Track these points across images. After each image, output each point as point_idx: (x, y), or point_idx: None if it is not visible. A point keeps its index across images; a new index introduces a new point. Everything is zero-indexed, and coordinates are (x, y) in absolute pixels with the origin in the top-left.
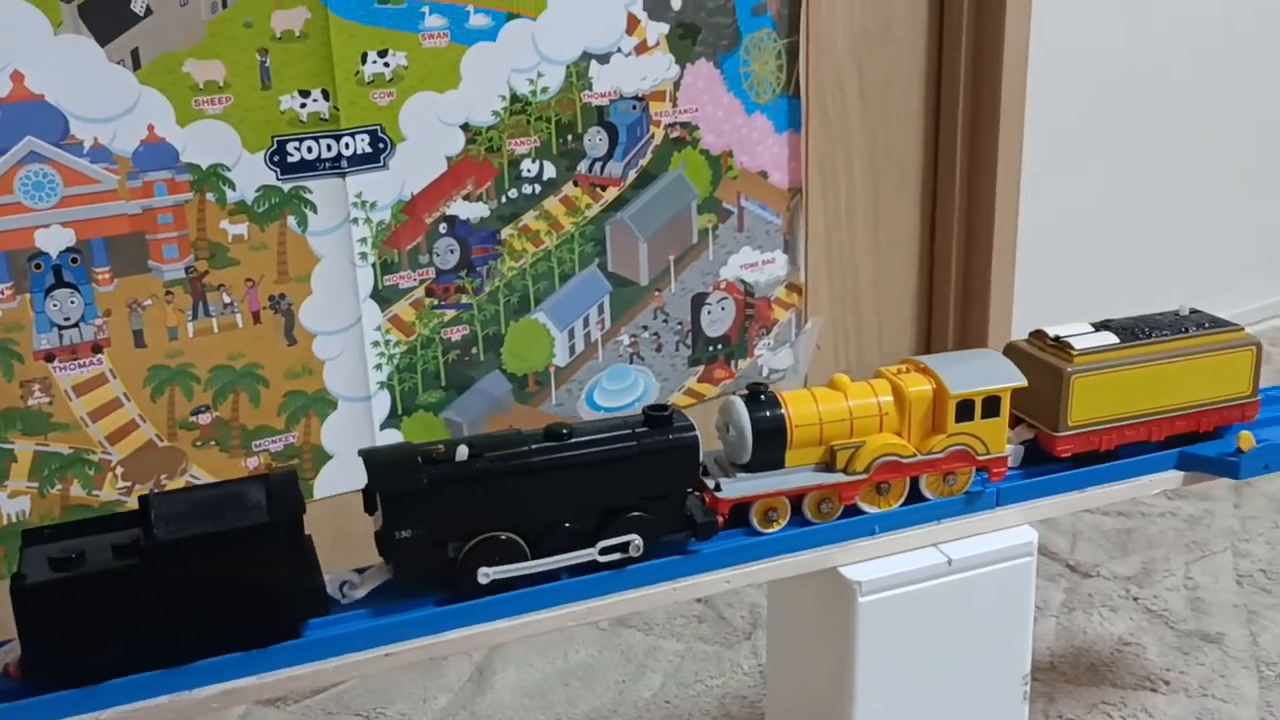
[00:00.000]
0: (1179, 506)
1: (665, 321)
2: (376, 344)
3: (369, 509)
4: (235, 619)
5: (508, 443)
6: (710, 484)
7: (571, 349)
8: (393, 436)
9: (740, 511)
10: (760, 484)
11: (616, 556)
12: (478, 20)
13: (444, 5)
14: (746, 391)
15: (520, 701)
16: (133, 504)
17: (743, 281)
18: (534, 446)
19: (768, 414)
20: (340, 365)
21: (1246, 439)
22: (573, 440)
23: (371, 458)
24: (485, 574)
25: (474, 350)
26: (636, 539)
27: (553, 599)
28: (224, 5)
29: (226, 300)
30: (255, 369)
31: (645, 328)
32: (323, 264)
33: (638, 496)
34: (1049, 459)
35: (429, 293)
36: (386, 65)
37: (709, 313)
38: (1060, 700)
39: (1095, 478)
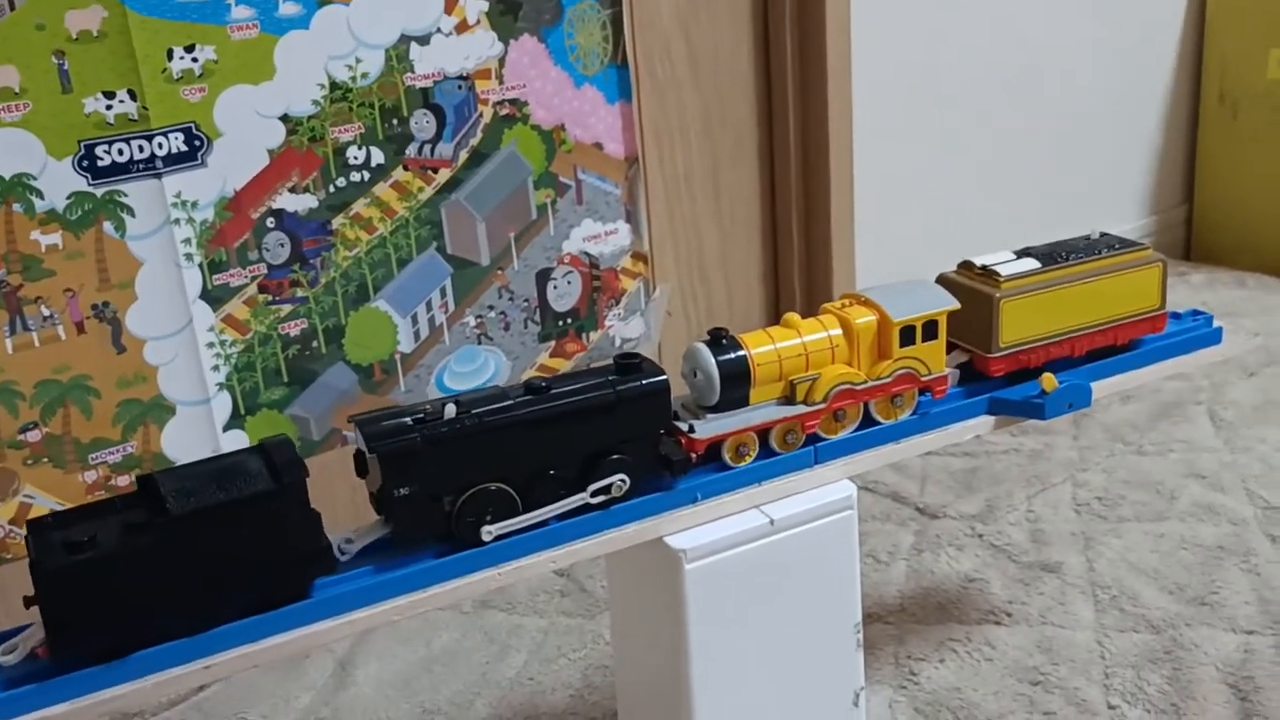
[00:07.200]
0: (1021, 443)
1: (511, 300)
2: (211, 345)
3: (360, 473)
4: (249, 584)
5: (491, 399)
6: (684, 427)
7: (416, 334)
8: (237, 438)
9: (714, 450)
10: (730, 422)
11: (604, 498)
12: (288, 9)
13: None
14: (708, 337)
15: (383, 693)
16: None
17: (587, 254)
18: (517, 400)
19: (731, 356)
20: (175, 370)
21: (1049, 381)
22: (553, 392)
23: (366, 423)
24: (489, 531)
25: (315, 344)
26: (621, 477)
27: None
28: (11, 7)
29: (46, 312)
30: (84, 380)
31: (491, 307)
32: (146, 268)
33: (616, 441)
34: (984, 378)
35: (262, 289)
36: (195, 60)
37: (555, 287)
38: (909, 641)
39: (909, 428)
